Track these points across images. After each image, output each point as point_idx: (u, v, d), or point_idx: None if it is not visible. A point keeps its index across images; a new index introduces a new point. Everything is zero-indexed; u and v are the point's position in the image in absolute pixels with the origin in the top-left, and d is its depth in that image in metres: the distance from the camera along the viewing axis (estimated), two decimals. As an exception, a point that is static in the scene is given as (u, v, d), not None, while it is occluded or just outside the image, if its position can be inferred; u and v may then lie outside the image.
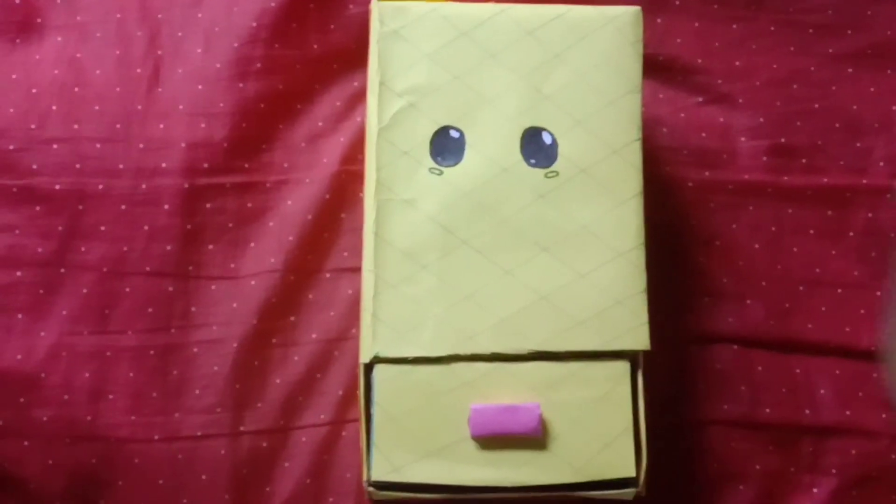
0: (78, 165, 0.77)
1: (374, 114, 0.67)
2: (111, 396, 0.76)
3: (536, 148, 0.67)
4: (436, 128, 0.67)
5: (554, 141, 0.68)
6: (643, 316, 0.67)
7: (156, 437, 0.75)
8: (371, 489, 0.65)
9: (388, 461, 0.65)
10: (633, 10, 0.69)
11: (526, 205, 0.67)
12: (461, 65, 0.68)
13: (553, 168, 0.67)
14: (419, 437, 0.65)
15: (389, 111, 0.67)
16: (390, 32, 0.68)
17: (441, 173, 0.67)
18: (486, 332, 0.65)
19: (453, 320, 0.66)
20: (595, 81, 0.68)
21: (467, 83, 0.67)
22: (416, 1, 0.69)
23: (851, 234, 0.81)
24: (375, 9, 0.68)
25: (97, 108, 0.78)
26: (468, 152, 0.67)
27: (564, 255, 0.65)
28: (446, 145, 0.67)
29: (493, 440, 0.65)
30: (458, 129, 0.67)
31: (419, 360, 0.65)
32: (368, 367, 0.65)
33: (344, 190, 0.80)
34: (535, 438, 0.65)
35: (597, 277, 0.66)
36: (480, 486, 0.65)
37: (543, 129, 0.68)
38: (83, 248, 0.77)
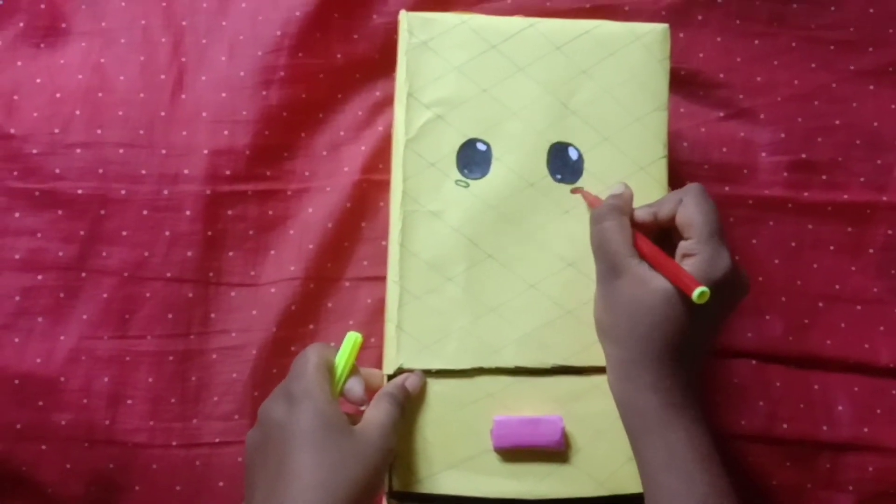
0: (101, 170, 0.78)
1: (401, 125, 0.67)
2: (130, 401, 0.76)
3: (563, 163, 0.68)
4: (463, 140, 0.67)
5: (580, 156, 0.68)
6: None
7: (174, 444, 0.76)
8: (392, 500, 0.65)
9: (410, 472, 0.65)
10: (661, 28, 0.69)
11: (551, 219, 0.67)
12: (489, 78, 0.68)
13: (579, 184, 0.67)
14: (441, 448, 0.65)
15: (417, 122, 0.67)
16: (419, 44, 0.68)
17: (467, 185, 0.67)
18: (510, 346, 0.66)
19: (477, 333, 0.66)
20: (622, 98, 0.68)
21: (495, 96, 0.68)
22: (446, 13, 0.69)
23: (871, 250, 0.81)
24: (404, 20, 0.68)
25: (121, 113, 0.79)
26: (495, 165, 0.67)
27: (589, 270, 0.66)
28: (473, 158, 0.67)
29: (515, 452, 0.65)
30: (485, 142, 0.67)
31: (443, 373, 0.66)
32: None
33: (364, 199, 0.80)
34: (557, 451, 0.65)
35: (621, 292, 0.66)
36: (502, 498, 0.65)
37: (570, 145, 0.68)
38: (104, 253, 0.77)
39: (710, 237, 0.59)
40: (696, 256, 0.59)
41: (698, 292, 0.55)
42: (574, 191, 0.67)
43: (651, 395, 0.59)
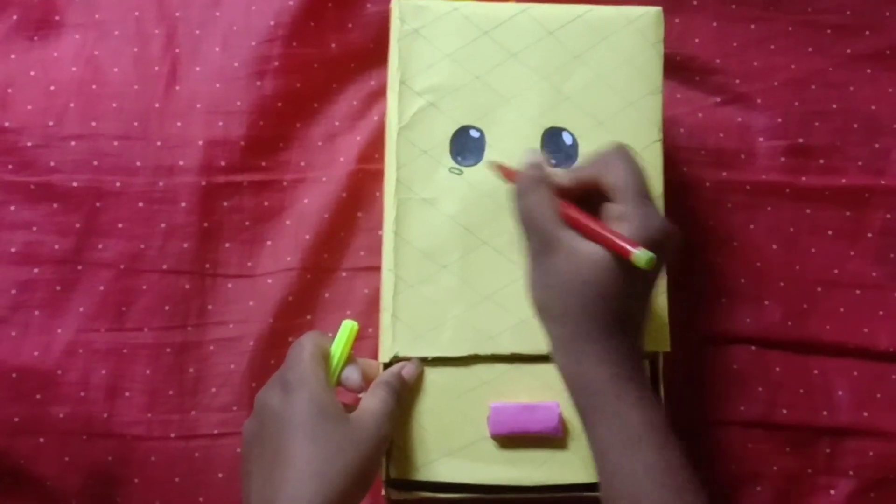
0: (95, 163, 0.78)
1: (394, 113, 0.67)
2: (127, 394, 0.76)
3: (557, 148, 0.67)
4: (456, 127, 0.67)
5: (574, 141, 0.68)
6: (664, 317, 0.67)
7: (172, 435, 0.75)
8: (389, 488, 0.65)
9: (407, 460, 0.65)
10: (654, 11, 0.69)
11: (546, 205, 0.67)
12: (482, 64, 0.68)
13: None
14: (438, 435, 0.65)
15: (410, 110, 0.67)
16: (411, 31, 0.68)
17: (461, 173, 0.67)
18: (505, 333, 0.66)
19: (473, 321, 0.66)
20: (616, 82, 0.68)
21: (488, 83, 0.67)
22: (437, 0, 0.69)
23: (870, 234, 0.81)
24: (396, 8, 0.68)
25: (115, 105, 0.79)
26: (488, 152, 0.67)
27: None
28: (466, 145, 0.67)
29: (512, 439, 0.65)
30: (478, 129, 0.67)
31: (438, 361, 0.66)
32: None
33: (360, 189, 0.80)
34: (554, 437, 0.65)
35: (617, 278, 0.66)
36: (499, 485, 0.65)
37: (564, 130, 0.68)
38: (100, 246, 0.77)
39: (641, 198, 0.56)
40: (629, 219, 0.56)
41: (646, 258, 0.52)
42: (490, 166, 0.67)
43: (600, 369, 0.57)
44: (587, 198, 0.59)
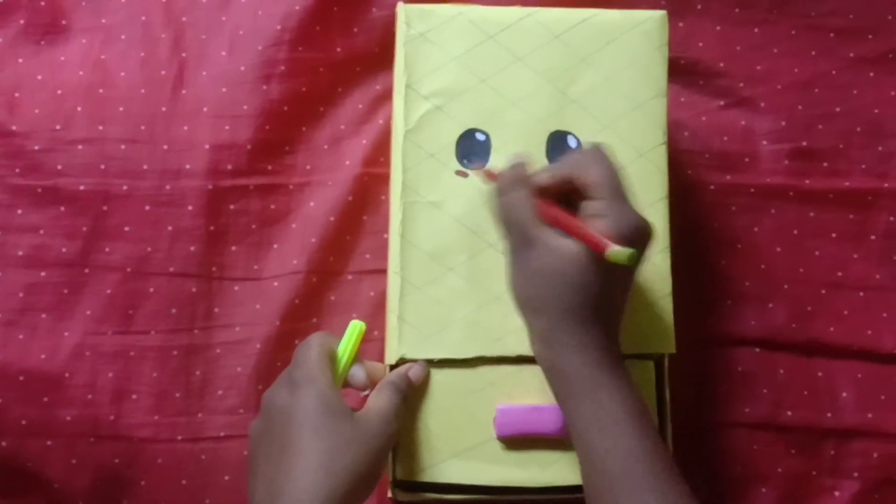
0: (102, 166, 0.78)
1: (400, 116, 0.68)
2: (134, 396, 0.76)
3: (562, 151, 0.68)
4: (462, 130, 0.68)
5: (580, 144, 0.68)
6: (669, 319, 0.67)
7: (179, 438, 0.76)
8: (396, 489, 0.66)
9: (414, 461, 0.65)
10: (659, 15, 0.69)
11: (552, 207, 0.67)
12: (488, 68, 0.68)
13: None
14: (445, 437, 0.65)
15: (416, 114, 0.67)
16: (417, 35, 0.68)
17: (467, 176, 0.67)
18: (512, 335, 0.66)
19: (479, 322, 0.66)
20: (621, 85, 0.68)
21: (494, 86, 0.68)
22: (443, 5, 0.69)
23: (873, 237, 0.81)
24: (402, 12, 0.69)
25: (122, 109, 0.79)
26: (494, 155, 0.67)
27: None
28: (472, 148, 0.68)
29: (518, 441, 0.66)
30: (484, 132, 0.68)
31: (445, 362, 0.66)
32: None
33: (366, 192, 0.80)
34: (560, 439, 0.65)
35: (623, 280, 0.66)
36: (506, 486, 0.65)
37: (569, 133, 0.68)
38: (107, 249, 0.77)
39: (616, 195, 0.58)
40: (606, 216, 0.57)
41: (624, 254, 0.53)
42: (460, 172, 0.68)
43: (575, 357, 0.58)
44: (567, 196, 0.61)
